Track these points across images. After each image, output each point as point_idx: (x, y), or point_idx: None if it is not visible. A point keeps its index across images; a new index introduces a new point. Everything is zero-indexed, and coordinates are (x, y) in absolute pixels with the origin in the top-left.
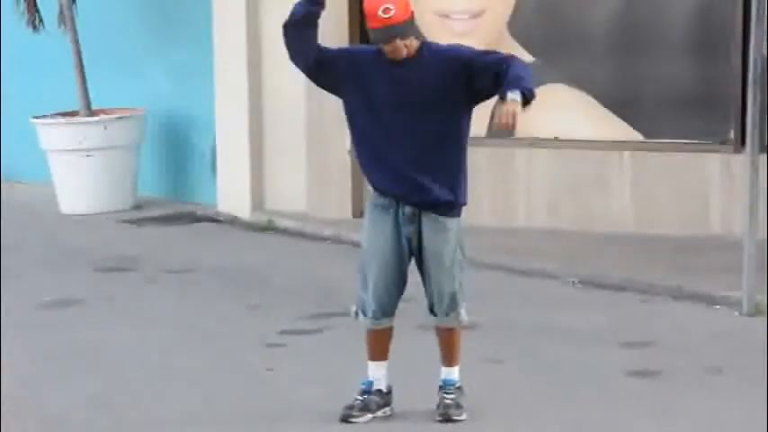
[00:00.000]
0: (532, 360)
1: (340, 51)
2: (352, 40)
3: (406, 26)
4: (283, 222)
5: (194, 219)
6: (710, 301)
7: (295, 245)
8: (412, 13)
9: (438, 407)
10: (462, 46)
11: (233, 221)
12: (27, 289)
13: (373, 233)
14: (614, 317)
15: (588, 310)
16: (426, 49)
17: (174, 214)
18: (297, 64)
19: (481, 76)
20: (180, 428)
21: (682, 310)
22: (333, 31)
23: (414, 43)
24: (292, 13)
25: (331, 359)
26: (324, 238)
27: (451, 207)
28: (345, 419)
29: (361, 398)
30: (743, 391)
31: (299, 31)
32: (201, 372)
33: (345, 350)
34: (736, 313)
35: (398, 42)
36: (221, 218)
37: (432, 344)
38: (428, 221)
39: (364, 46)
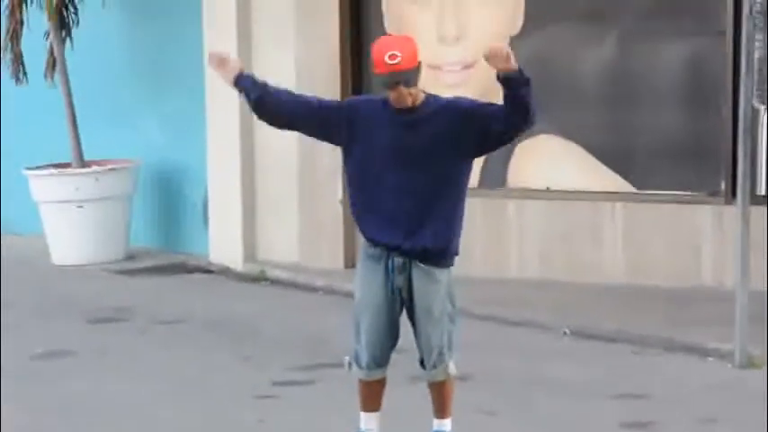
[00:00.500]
0: (525, 412)
1: (339, 103)
2: (343, 86)
3: (412, 74)
4: (275, 273)
5: (186, 269)
6: (703, 352)
7: (287, 295)
8: (419, 63)
9: None
10: (465, 98)
11: (225, 272)
12: (20, 340)
13: (365, 284)
14: (607, 368)
15: (580, 361)
16: (431, 100)
17: (166, 265)
18: (280, 128)
19: (487, 119)
20: None
21: (674, 361)
22: (326, 72)
23: (419, 94)
24: (251, 103)
25: (323, 411)
26: (316, 289)
27: (443, 257)
28: None
29: None
30: None
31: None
32: (193, 424)
33: (338, 402)
34: (729, 365)
35: (403, 90)
36: (213, 268)
37: (424, 395)
38: (418, 272)
39: (370, 96)
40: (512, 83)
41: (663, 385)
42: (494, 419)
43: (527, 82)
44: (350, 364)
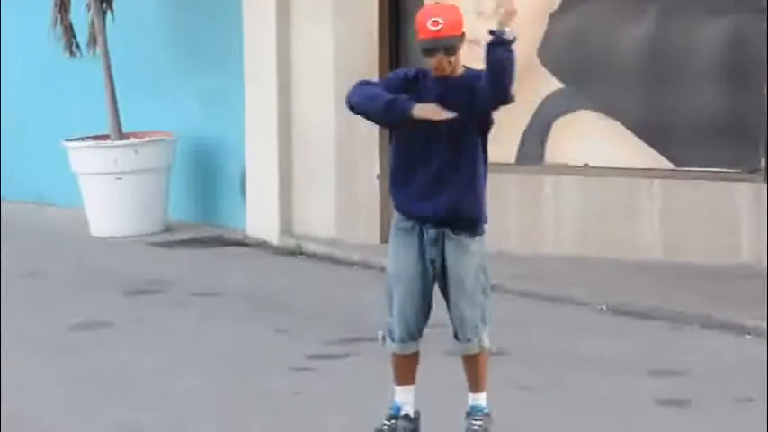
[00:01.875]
0: (561, 387)
1: (387, 81)
2: (381, 63)
3: (453, 42)
4: (312, 247)
5: (223, 243)
6: (740, 330)
7: (323, 269)
8: (463, 33)
9: None
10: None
11: (262, 245)
12: (57, 311)
13: (397, 256)
14: (643, 345)
15: (617, 337)
16: (468, 74)
17: (204, 238)
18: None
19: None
20: None
21: (711, 338)
22: (363, 50)
23: (458, 63)
24: (387, 112)
25: (358, 384)
26: (352, 263)
27: (475, 223)
28: None
29: (388, 423)
30: None
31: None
32: (229, 396)
33: (373, 375)
34: (766, 342)
35: (442, 57)
36: (250, 242)
37: (459, 369)
38: (451, 244)
39: (408, 68)
40: (497, 44)
41: (699, 362)
42: (529, 395)
43: (510, 43)
44: (383, 338)
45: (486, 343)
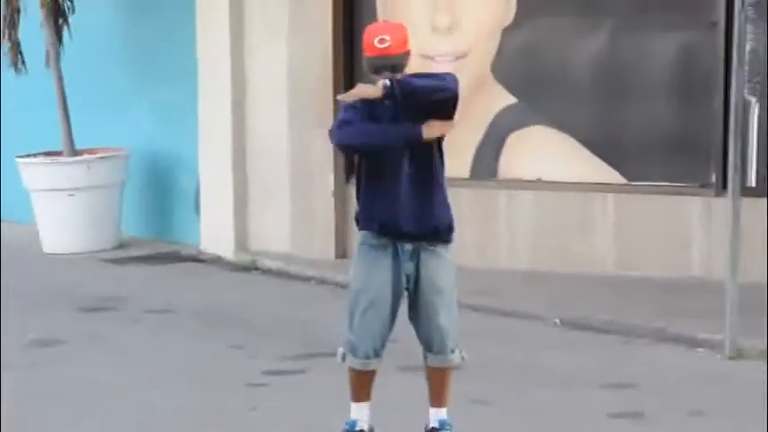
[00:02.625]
0: (517, 401)
1: (361, 110)
2: (336, 78)
3: (399, 60)
4: (267, 263)
5: (178, 258)
6: (692, 343)
7: (278, 285)
8: (409, 50)
9: None
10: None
11: (216, 261)
12: (11, 328)
13: (369, 274)
14: (597, 358)
15: (571, 351)
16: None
17: (158, 254)
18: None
19: None
20: None
21: (664, 352)
22: (318, 66)
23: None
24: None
25: (314, 400)
26: (307, 279)
27: (448, 232)
28: None
29: None
30: None
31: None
32: (185, 412)
33: (329, 391)
34: (718, 356)
35: (388, 74)
36: (205, 258)
37: (412, 384)
38: (428, 255)
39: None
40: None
41: (652, 375)
42: (486, 408)
43: (399, 87)
44: (343, 356)
45: (461, 356)
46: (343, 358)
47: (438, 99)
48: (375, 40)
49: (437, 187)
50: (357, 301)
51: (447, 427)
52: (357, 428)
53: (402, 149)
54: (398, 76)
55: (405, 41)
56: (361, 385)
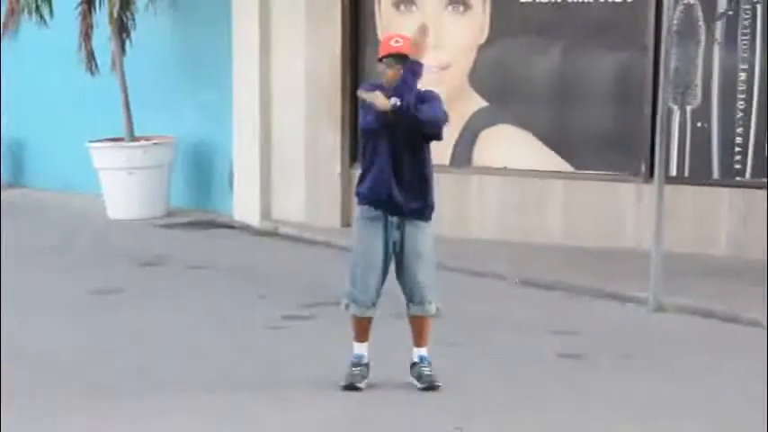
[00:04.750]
0: (482, 344)
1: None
2: (343, 82)
3: (408, 58)
4: (286, 229)
5: (214, 225)
6: (623, 299)
7: (294, 248)
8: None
9: (419, 378)
10: (429, 92)
11: (245, 228)
12: (79, 278)
13: (365, 240)
14: (547, 311)
15: (527, 305)
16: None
17: (198, 221)
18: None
19: None
20: (202, 393)
21: (600, 306)
22: (329, 71)
23: None
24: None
25: (322, 339)
26: (317, 243)
27: (429, 212)
28: (351, 386)
29: (356, 369)
30: (647, 372)
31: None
32: (219, 348)
33: (334, 332)
34: (644, 310)
35: (399, 68)
36: (236, 225)
37: (403, 329)
38: (411, 227)
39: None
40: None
41: (591, 325)
42: (457, 349)
43: (405, 109)
44: (347, 305)
45: (436, 307)
46: (347, 307)
47: (426, 128)
48: (391, 41)
49: (424, 174)
50: (356, 263)
51: (425, 361)
52: (364, 361)
53: (380, 126)
54: (404, 100)
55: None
56: (362, 329)
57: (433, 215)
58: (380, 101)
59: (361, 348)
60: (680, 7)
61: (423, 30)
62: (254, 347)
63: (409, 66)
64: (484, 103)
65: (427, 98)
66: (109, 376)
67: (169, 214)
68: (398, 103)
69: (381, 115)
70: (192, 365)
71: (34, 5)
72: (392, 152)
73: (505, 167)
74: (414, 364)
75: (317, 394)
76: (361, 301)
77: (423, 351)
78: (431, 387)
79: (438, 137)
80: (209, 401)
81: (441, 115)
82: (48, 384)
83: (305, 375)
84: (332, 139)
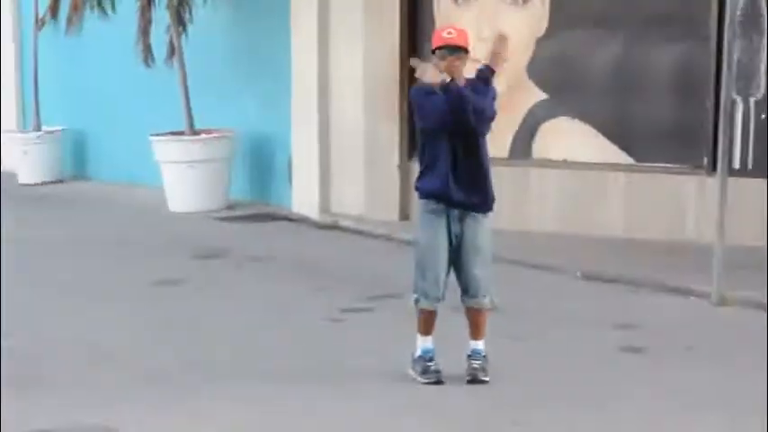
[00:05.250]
0: (542, 338)
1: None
2: (401, 75)
3: (462, 50)
4: (345, 222)
5: (273, 218)
6: (686, 292)
7: (353, 241)
8: (467, 48)
9: (467, 370)
10: (487, 86)
11: (305, 221)
12: (140, 270)
13: (431, 233)
14: (609, 304)
15: (588, 298)
16: (469, 82)
17: (258, 214)
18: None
19: None
20: (261, 384)
21: (663, 299)
22: (387, 63)
23: (461, 70)
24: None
25: (381, 332)
26: (376, 236)
27: (489, 205)
28: (438, 381)
29: (431, 363)
30: (709, 365)
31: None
32: (278, 340)
33: (392, 325)
34: (707, 303)
35: (452, 58)
36: (295, 218)
37: (461, 322)
38: (471, 220)
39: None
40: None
41: (653, 318)
42: (517, 343)
43: (456, 92)
44: (416, 300)
45: (493, 300)
46: (417, 302)
47: (470, 117)
48: (444, 33)
49: (482, 169)
50: (423, 256)
51: (477, 355)
52: (431, 355)
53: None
54: (459, 82)
55: (467, 39)
56: (430, 322)
57: (494, 208)
58: (433, 74)
59: (428, 342)
60: None
61: (502, 39)
62: (313, 340)
63: (483, 70)
64: (543, 96)
65: (480, 90)
66: (167, 367)
67: (229, 207)
68: (447, 80)
69: (440, 116)
70: (250, 357)
71: (96, 1)
72: (450, 149)
73: (566, 160)
74: (467, 357)
75: (376, 385)
76: (432, 295)
77: (479, 344)
78: (475, 380)
79: (479, 129)
80: (267, 393)
81: (488, 110)
82: (105, 374)
83: (364, 367)
84: (390, 132)
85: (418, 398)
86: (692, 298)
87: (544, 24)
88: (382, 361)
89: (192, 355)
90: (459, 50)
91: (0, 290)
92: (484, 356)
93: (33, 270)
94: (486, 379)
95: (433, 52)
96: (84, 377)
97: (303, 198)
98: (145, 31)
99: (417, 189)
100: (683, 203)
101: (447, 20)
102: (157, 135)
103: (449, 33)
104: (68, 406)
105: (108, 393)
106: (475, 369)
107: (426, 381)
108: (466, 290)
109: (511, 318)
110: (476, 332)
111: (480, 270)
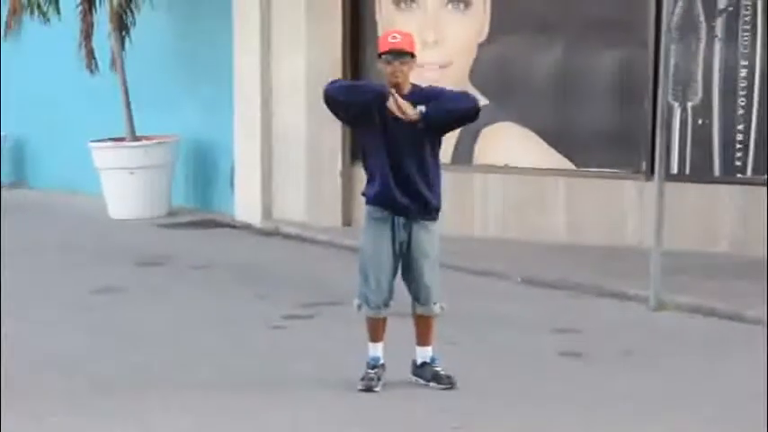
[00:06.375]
0: (482, 342)
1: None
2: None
3: (407, 56)
4: (287, 229)
5: (216, 224)
6: (624, 297)
7: (296, 247)
8: (414, 53)
9: (436, 380)
10: (438, 87)
11: (247, 227)
12: (81, 278)
13: (374, 240)
14: (548, 309)
15: (528, 303)
16: (416, 89)
17: (200, 221)
18: (337, 116)
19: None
20: (203, 392)
21: (602, 304)
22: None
23: (407, 79)
24: (366, 98)
25: (323, 339)
26: (319, 242)
27: (436, 211)
28: (368, 389)
29: (373, 371)
30: (648, 371)
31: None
32: (219, 347)
33: (334, 332)
34: (644, 308)
35: (397, 64)
36: (237, 224)
37: (399, 328)
38: (417, 227)
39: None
40: (429, 122)
41: (592, 323)
42: (457, 348)
43: (435, 113)
44: (359, 306)
45: (441, 309)
46: (359, 308)
47: (464, 121)
48: (389, 37)
49: (433, 175)
50: (366, 263)
51: (436, 362)
52: (380, 363)
53: (372, 105)
54: (403, 88)
55: (413, 44)
56: (376, 329)
57: (439, 215)
58: (409, 111)
59: (376, 349)
60: (680, 3)
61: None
62: (254, 346)
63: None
64: (485, 101)
65: (438, 93)
66: (110, 374)
67: (171, 214)
68: (424, 110)
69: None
70: (192, 364)
71: (36, 4)
72: (390, 154)
73: (507, 165)
74: (423, 364)
75: (317, 393)
76: (374, 302)
77: (428, 351)
78: (451, 386)
79: (477, 115)
80: (209, 400)
81: (469, 101)
82: (48, 382)
83: (305, 374)
84: (332, 138)
85: (357, 406)
86: (631, 303)
87: (485, 29)
88: (323, 368)
89: (134, 363)
90: (404, 55)
91: None
92: (438, 362)
93: None
94: (456, 381)
95: (380, 57)
96: (28, 385)
97: (245, 204)
98: (87, 35)
99: (364, 195)
100: (622, 208)
101: (390, 25)
102: (97, 141)
103: (393, 38)
104: (11, 418)
105: (52, 402)
106: (448, 376)
107: (360, 387)
108: (416, 297)
109: (451, 322)
110: (424, 339)
111: (430, 276)
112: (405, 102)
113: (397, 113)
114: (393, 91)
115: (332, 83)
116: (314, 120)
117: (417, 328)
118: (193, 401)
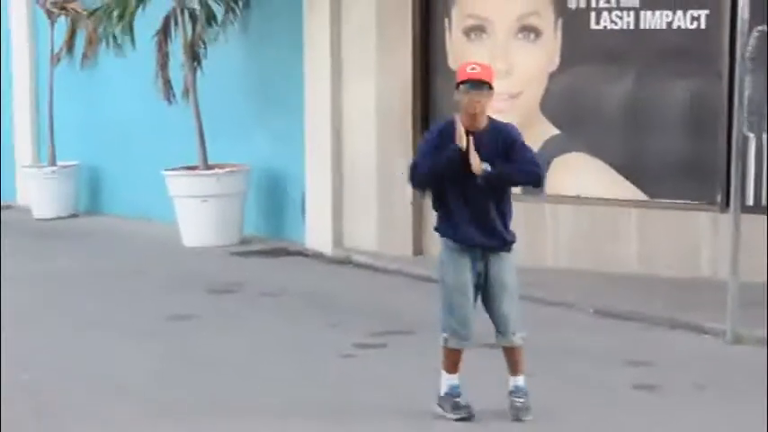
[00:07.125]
0: (556, 374)
1: (430, 142)
2: (414, 110)
3: (485, 87)
4: (358, 257)
5: (287, 253)
6: (700, 330)
7: (367, 276)
8: (491, 84)
9: (510, 409)
10: (515, 130)
11: (318, 256)
12: (154, 304)
13: (455, 271)
14: (622, 341)
15: (601, 334)
16: (493, 123)
17: (271, 249)
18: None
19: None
20: (272, 419)
21: (676, 337)
22: (400, 99)
23: (484, 113)
24: (448, 168)
25: (394, 369)
26: (390, 271)
27: (510, 243)
28: (470, 416)
29: (460, 399)
30: (722, 405)
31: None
32: (290, 375)
33: (405, 361)
34: (721, 341)
35: (474, 95)
36: (308, 253)
37: (489, 358)
38: (494, 258)
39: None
40: (487, 182)
41: (666, 356)
42: (531, 379)
43: (496, 177)
44: (446, 339)
45: (523, 336)
46: (446, 341)
47: (526, 185)
48: (468, 68)
49: (504, 210)
50: (450, 294)
51: (520, 392)
52: (459, 391)
53: (450, 167)
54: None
55: (491, 75)
56: (456, 361)
57: (514, 246)
58: (475, 161)
59: (454, 379)
60: (754, 34)
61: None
62: (325, 375)
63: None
64: (555, 131)
65: (511, 142)
66: (180, 401)
67: (243, 242)
68: (489, 169)
69: (449, 162)
70: (262, 391)
71: (112, 35)
72: (465, 195)
73: (578, 196)
74: (510, 393)
75: (388, 423)
76: (461, 334)
77: (519, 380)
78: (517, 419)
79: (539, 185)
80: (279, 428)
81: (537, 168)
82: (120, 408)
83: (376, 403)
84: (403, 167)
85: None
86: (706, 336)
87: (556, 59)
88: (396, 397)
89: (205, 390)
90: (482, 86)
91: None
92: (526, 393)
93: (48, 304)
94: (529, 418)
95: (457, 87)
96: (100, 411)
97: (316, 233)
98: (163, 65)
99: (437, 230)
100: (696, 240)
101: (459, 55)
102: (171, 170)
103: (473, 68)
104: None
105: (123, 427)
106: (518, 408)
107: (457, 416)
108: (497, 328)
109: (525, 354)
110: (515, 368)
111: (508, 307)
112: (475, 154)
113: (470, 159)
114: (464, 140)
115: (411, 173)
116: (384, 148)
117: (505, 358)
118: (263, 429)
